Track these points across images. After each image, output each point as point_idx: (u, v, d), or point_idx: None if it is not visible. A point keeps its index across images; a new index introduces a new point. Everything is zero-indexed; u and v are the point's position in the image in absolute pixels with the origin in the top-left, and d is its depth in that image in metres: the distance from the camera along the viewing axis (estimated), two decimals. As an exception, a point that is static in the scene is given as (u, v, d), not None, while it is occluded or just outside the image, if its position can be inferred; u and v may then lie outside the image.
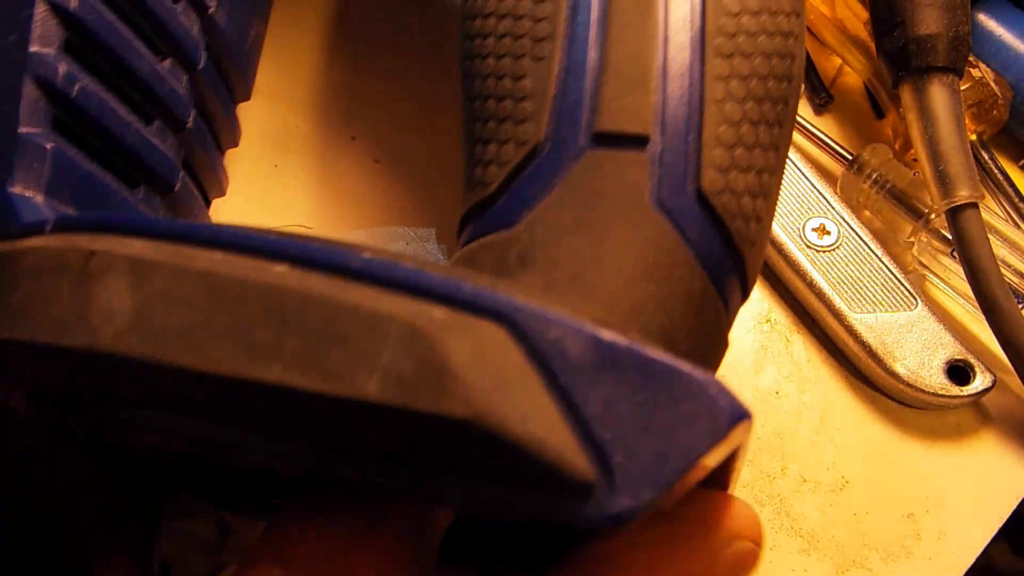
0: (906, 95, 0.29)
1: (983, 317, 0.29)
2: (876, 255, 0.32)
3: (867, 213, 0.34)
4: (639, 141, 0.19)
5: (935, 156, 0.28)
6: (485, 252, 0.19)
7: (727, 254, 0.20)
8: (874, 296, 0.31)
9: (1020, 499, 0.30)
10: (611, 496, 0.13)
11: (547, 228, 0.19)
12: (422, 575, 0.16)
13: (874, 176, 0.33)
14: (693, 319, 0.19)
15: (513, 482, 0.13)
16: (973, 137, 0.34)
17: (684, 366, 0.13)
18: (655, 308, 0.18)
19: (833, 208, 0.33)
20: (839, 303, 0.31)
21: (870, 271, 0.32)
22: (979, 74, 0.33)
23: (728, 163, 0.20)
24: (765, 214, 0.21)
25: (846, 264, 0.32)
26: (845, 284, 0.31)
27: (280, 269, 0.14)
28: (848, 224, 0.32)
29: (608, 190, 0.19)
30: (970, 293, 0.29)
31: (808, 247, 0.32)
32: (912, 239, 0.32)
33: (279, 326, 0.13)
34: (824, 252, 0.32)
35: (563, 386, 0.13)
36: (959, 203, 0.28)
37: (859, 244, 0.32)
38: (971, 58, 0.33)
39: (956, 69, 0.29)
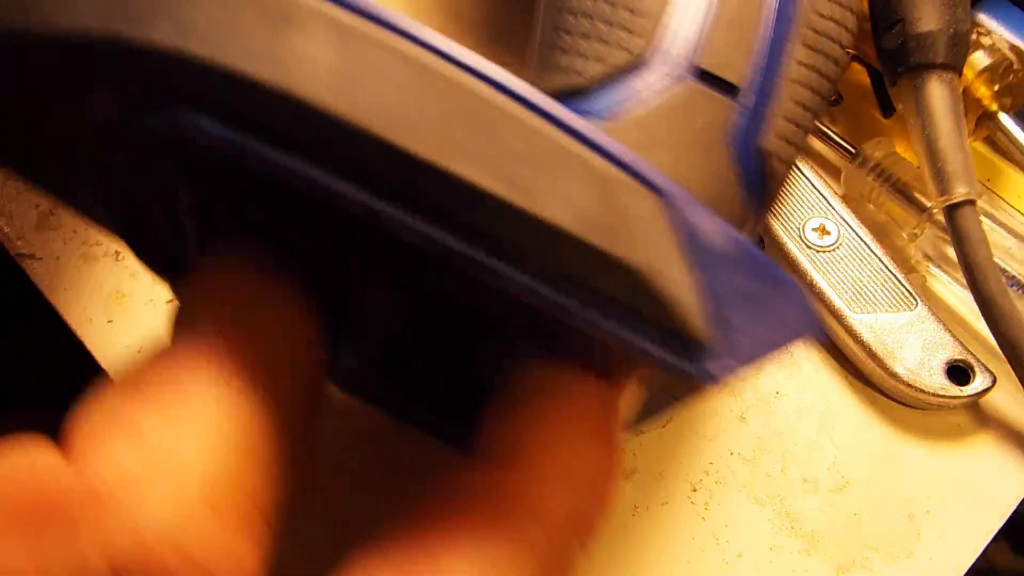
0: (905, 92, 0.29)
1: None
2: (876, 255, 0.32)
3: (871, 207, 0.34)
4: (731, 88, 0.22)
5: (933, 153, 0.28)
6: None
7: (759, 206, 0.23)
8: (874, 296, 0.31)
9: (1020, 499, 0.30)
10: (717, 359, 0.16)
11: (643, 134, 0.22)
12: None
13: (877, 169, 0.33)
14: None
15: (646, 327, 0.16)
16: (995, 108, 0.34)
17: (787, 274, 0.16)
18: None
19: (833, 208, 0.32)
20: (839, 303, 0.31)
21: (870, 271, 0.32)
22: (990, 41, 0.33)
23: (785, 134, 0.23)
24: (784, 184, 0.24)
25: (846, 264, 0.32)
26: (845, 284, 0.31)
27: (481, 85, 0.15)
28: (848, 224, 0.32)
29: (698, 119, 0.22)
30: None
31: (808, 247, 0.32)
32: (917, 231, 0.32)
33: (476, 129, 0.15)
34: (824, 252, 0.32)
35: (699, 263, 0.16)
36: (956, 200, 0.28)
37: (859, 244, 0.32)
38: (981, 28, 0.33)
39: (955, 67, 0.29)
